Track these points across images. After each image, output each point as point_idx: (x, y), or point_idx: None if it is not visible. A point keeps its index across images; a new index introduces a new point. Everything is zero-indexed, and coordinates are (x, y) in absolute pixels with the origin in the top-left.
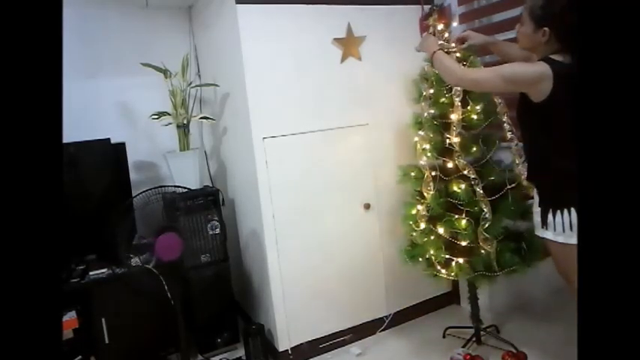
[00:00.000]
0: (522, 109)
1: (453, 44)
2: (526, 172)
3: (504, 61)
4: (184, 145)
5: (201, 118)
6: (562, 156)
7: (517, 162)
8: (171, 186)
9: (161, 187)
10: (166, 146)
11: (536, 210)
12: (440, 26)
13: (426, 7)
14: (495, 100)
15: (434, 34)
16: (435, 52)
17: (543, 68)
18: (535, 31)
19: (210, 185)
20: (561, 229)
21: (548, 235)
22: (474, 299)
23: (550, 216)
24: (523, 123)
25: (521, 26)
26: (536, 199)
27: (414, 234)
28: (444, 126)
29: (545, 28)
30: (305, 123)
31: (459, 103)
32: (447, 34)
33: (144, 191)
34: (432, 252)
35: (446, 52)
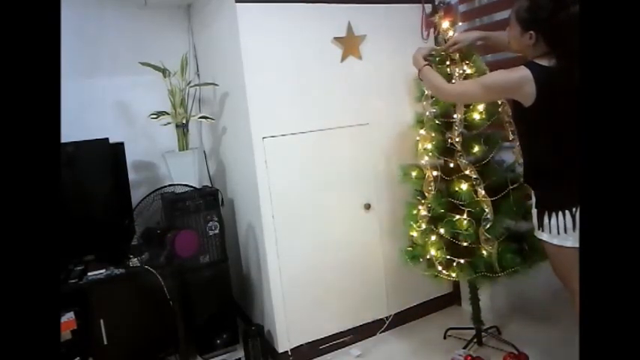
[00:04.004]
0: (515, 113)
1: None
2: (522, 175)
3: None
4: (183, 145)
5: (200, 117)
6: (555, 159)
7: (519, 162)
8: (172, 185)
9: (163, 187)
10: (165, 146)
11: (534, 211)
12: (445, 24)
13: (427, 6)
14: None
15: (438, 32)
16: (421, 69)
17: (522, 73)
18: (522, 34)
19: (210, 185)
20: (556, 232)
21: (544, 237)
22: (475, 300)
23: (546, 218)
24: (518, 127)
25: (510, 29)
26: (534, 200)
27: (415, 234)
28: (446, 125)
29: (532, 32)
30: (305, 122)
31: None
32: (450, 33)
33: (148, 195)
34: (432, 252)
35: (446, 54)
